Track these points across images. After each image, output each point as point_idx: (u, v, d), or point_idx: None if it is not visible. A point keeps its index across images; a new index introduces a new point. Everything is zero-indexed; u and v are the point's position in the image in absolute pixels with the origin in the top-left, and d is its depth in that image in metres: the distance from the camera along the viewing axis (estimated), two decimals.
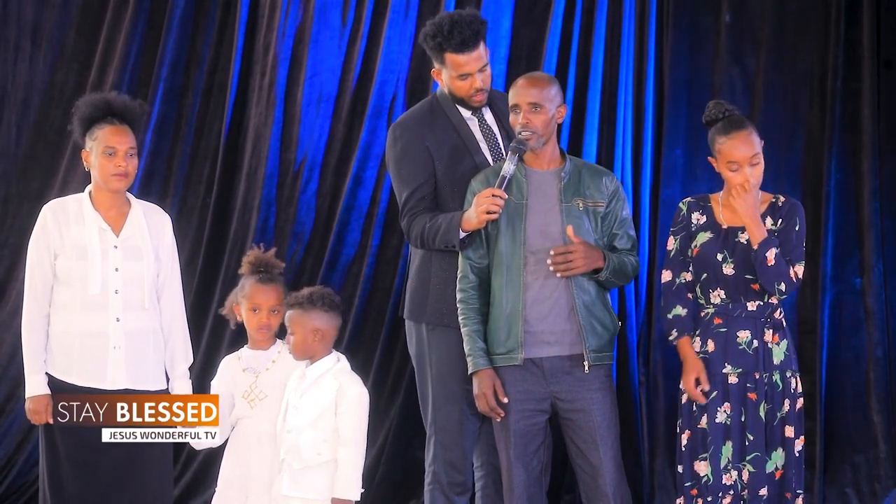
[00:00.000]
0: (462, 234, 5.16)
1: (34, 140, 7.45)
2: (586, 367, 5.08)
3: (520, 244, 5.11)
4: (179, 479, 7.10)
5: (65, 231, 5.29)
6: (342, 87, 7.18)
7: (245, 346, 5.43)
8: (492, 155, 5.37)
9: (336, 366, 5.28)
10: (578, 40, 6.92)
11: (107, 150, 5.29)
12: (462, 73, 5.29)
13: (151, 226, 5.39)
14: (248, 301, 5.37)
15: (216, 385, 5.39)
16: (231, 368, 5.39)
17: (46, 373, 5.26)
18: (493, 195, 5.07)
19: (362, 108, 7.09)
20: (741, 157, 5.08)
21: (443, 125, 5.36)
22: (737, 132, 5.08)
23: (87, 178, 7.17)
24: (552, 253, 5.04)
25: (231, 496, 5.29)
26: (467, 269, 5.19)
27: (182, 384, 5.40)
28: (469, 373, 5.16)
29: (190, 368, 5.44)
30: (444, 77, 5.34)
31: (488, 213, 5.07)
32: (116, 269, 5.29)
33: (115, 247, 5.30)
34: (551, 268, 5.05)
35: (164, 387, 5.38)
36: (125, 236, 5.33)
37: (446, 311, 5.31)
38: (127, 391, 5.26)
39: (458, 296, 5.19)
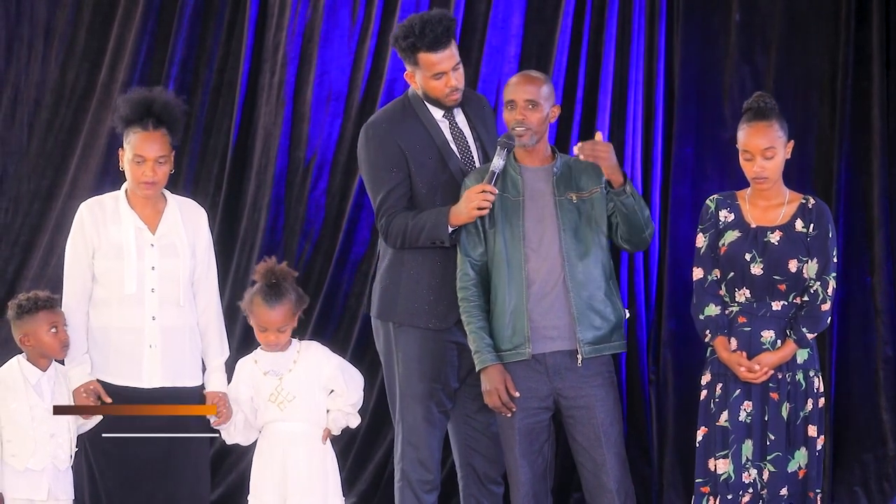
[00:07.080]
0: (450, 230, 5.18)
1: (45, 138, 7.46)
2: (579, 360, 5.09)
3: (519, 240, 5.12)
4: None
5: (102, 230, 5.29)
6: (352, 85, 7.18)
7: (259, 348, 5.33)
8: (461, 157, 5.37)
9: None
10: (589, 38, 6.92)
11: (136, 158, 5.24)
12: (436, 72, 5.27)
13: (187, 221, 5.38)
14: (254, 318, 5.25)
15: (234, 388, 5.32)
16: (250, 372, 5.31)
17: None
18: (483, 190, 5.09)
19: (371, 107, 7.08)
20: (753, 146, 5.09)
21: (414, 125, 5.35)
22: (756, 122, 5.10)
23: (97, 177, 7.28)
24: (581, 144, 5.05)
25: (267, 499, 5.22)
26: (467, 266, 5.19)
27: (217, 377, 5.39)
28: (477, 370, 5.17)
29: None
30: (418, 79, 5.31)
31: (479, 208, 5.10)
32: (153, 268, 5.29)
33: (152, 245, 5.30)
34: (576, 151, 5.05)
35: (201, 382, 5.39)
36: (161, 233, 5.32)
37: (415, 311, 5.32)
38: (164, 389, 5.27)
39: (460, 294, 5.19)
